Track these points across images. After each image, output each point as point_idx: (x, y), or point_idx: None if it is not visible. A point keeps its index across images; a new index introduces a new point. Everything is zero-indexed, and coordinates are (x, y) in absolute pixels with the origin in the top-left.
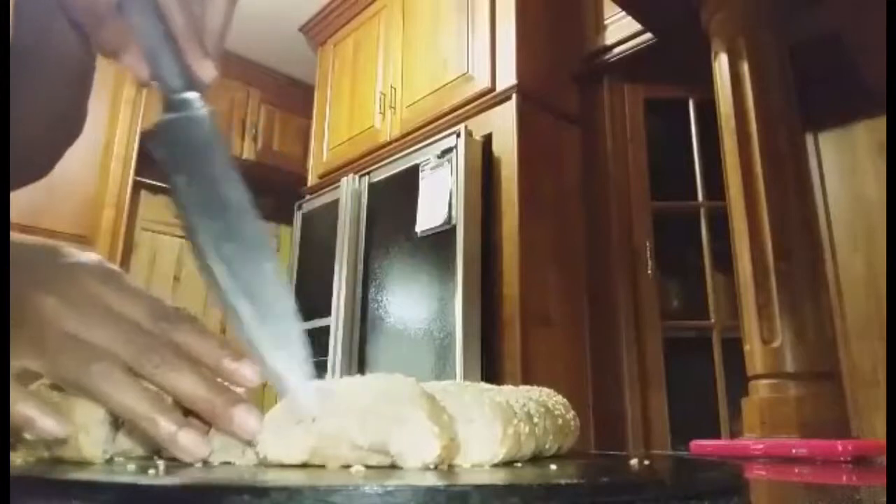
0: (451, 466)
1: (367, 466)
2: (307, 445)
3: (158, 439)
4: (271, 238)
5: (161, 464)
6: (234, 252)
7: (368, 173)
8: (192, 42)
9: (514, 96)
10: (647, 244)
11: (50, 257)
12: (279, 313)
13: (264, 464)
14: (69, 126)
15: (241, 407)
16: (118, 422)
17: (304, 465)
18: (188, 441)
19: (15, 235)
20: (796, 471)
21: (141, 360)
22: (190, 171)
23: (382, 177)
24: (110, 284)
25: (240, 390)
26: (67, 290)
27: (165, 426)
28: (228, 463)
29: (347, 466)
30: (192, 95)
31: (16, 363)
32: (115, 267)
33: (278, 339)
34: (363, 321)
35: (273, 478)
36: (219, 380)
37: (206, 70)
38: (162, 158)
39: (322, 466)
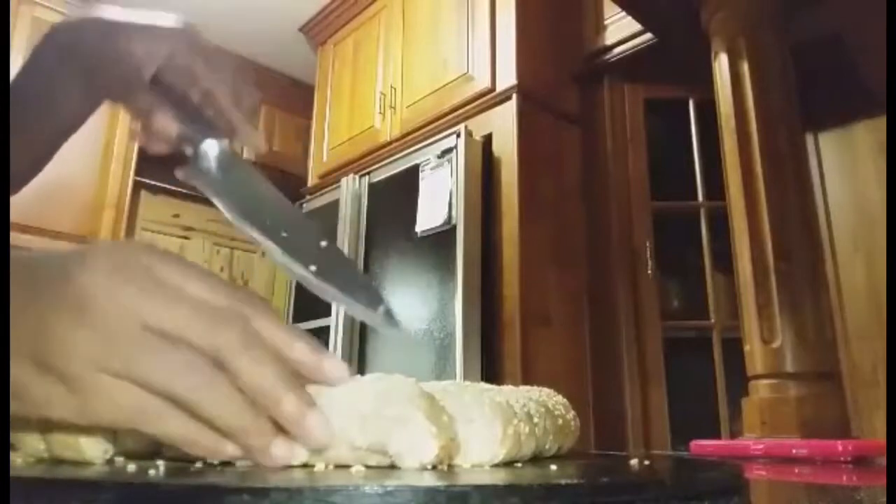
0: (450, 466)
1: (367, 466)
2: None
3: (250, 452)
4: None
5: (161, 464)
6: (290, 232)
7: (368, 173)
8: (240, 118)
9: (514, 96)
10: (648, 244)
11: (84, 246)
12: (346, 271)
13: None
14: (42, 164)
15: (314, 413)
16: None
17: (303, 466)
18: (298, 455)
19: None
20: (796, 471)
21: (224, 352)
22: (228, 188)
23: (382, 177)
24: (174, 264)
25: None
26: (124, 268)
27: (262, 440)
28: (229, 463)
29: (347, 467)
30: (210, 143)
31: (78, 365)
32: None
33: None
34: (363, 321)
35: (273, 478)
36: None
37: (258, 141)
38: (203, 187)
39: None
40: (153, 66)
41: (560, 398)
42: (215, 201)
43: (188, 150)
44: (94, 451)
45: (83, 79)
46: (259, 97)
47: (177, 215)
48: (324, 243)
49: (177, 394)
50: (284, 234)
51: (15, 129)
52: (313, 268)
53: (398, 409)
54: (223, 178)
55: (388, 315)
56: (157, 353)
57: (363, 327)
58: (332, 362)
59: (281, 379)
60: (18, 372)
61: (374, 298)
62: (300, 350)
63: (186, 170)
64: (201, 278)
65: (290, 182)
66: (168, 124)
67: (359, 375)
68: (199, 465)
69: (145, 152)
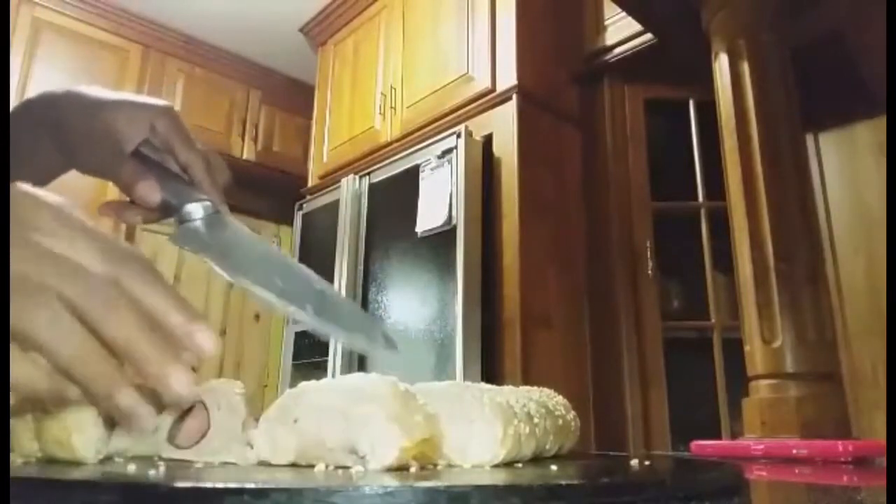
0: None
1: (340, 467)
2: (292, 446)
3: (109, 406)
4: (271, 238)
5: (161, 464)
6: (282, 280)
7: (369, 174)
8: (215, 190)
9: (514, 97)
10: (648, 244)
11: None
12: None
13: (264, 464)
14: None
15: (178, 368)
16: (112, 421)
17: (304, 466)
18: (143, 412)
19: None
20: (797, 471)
21: (83, 302)
22: (219, 246)
23: (383, 177)
24: (57, 219)
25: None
26: (13, 225)
27: (124, 395)
28: (229, 463)
29: (347, 467)
30: (191, 207)
31: None
32: (61, 199)
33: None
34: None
35: (273, 479)
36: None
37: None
38: (194, 249)
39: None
40: (136, 140)
41: (560, 398)
42: (207, 261)
43: (172, 216)
44: (86, 450)
45: (59, 149)
46: (229, 176)
47: None
48: (319, 287)
49: (36, 342)
50: (279, 283)
51: None
52: (310, 308)
53: (363, 410)
54: (211, 238)
55: (387, 342)
56: (24, 305)
57: None
58: (203, 333)
59: (140, 336)
60: None
61: (371, 328)
62: (174, 318)
63: (175, 236)
64: (85, 239)
65: (291, 182)
66: (151, 192)
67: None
68: (199, 464)
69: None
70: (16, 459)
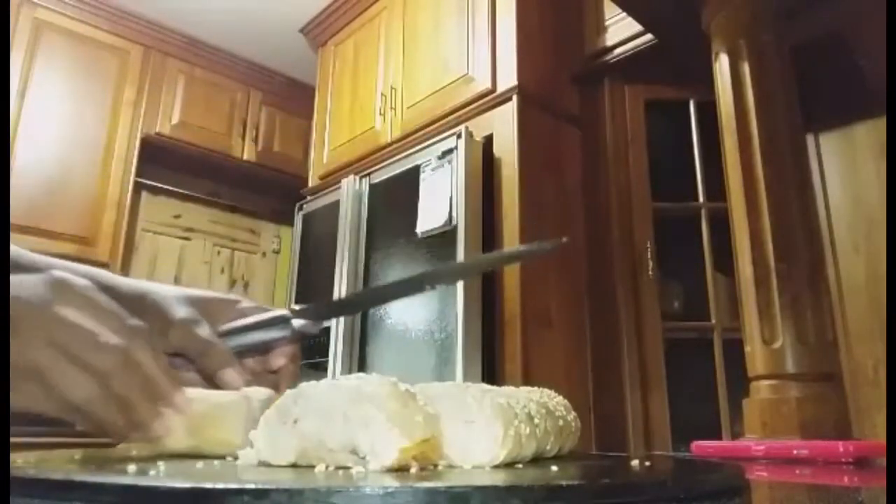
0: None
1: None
2: (292, 447)
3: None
4: (273, 239)
5: (162, 464)
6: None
7: (369, 174)
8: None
9: (514, 97)
10: (648, 245)
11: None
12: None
13: (265, 465)
14: None
15: (160, 418)
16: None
17: (304, 467)
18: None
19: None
20: (797, 472)
21: (102, 368)
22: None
23: (383, 178)
24: (83, 298)
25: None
26: (39, 312)
27: (117, 427)
28: (229, 464)
29: (348, 468)
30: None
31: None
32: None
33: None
34: (364, 322)
35: (273, 479)
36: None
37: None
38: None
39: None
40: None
41: (561, 399)
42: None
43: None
44: (242, 443)
45: None
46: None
47: (178, 216)
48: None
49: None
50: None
51: None
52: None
53: (363, 410)
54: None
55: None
56: (55, 366)
57: (363, 329)
58: (178, 400)
59: (137, 397)
60: None
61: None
62: (161, 384)
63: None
64: (105, 316)
65: (291, 183)
66: (237, 378)
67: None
68: (199, 465)
69: (147, 152)
70: (16, 460)
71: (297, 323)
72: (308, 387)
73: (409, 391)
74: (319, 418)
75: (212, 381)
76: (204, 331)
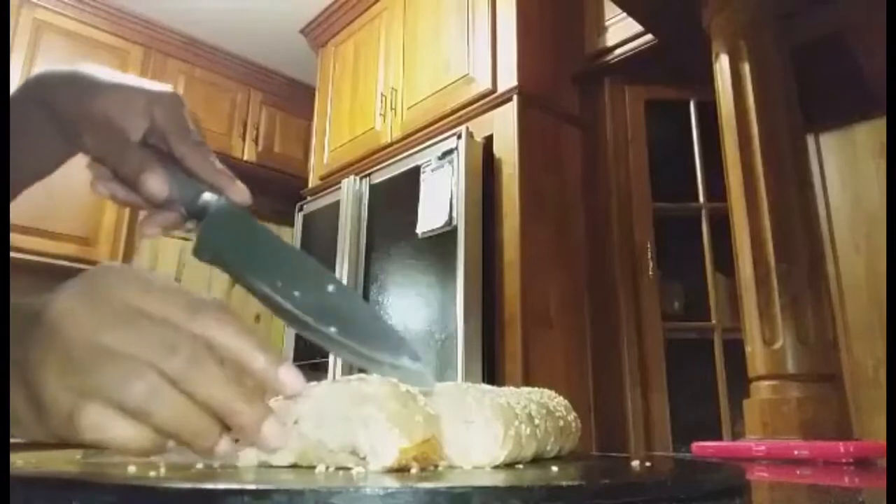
0: (443, 467)
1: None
2: (292, 447)
3: (207, 453)
4: None
5: (162, 465)
6: (302, 288)
7: (369, 175)
8: (220, 176)
9: (514, 98)
10: (649, 245)
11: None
12: (361, 319)
13: (265, 465)
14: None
15: (270, 421)
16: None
17: (305, 467)
18: (224, 448)
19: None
20: (798, 472)
21: (176, 371)
22: (238, 247)
23: (383, 178)
24: (133, 283)
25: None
26: (88, 295)
27: (203, 439)
28: (230, 465)
29: (348, 468)
30: (205, 198)
31: (42, 388)
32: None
33: (370, 339)
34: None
35: (274, 480)
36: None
37: (242, 193)
38: (216, 253)
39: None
40: (138, 129)
41: (561, 399)
42: (227, 269)
43: (177, 209)
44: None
45: (62, 133)
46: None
47: None
48: (331, 288)
49: (126, 404)
50: (296, 293)
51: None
52: (333, 329)
53: (363, 411)
54: (232, 237)
55: (414, 364)
56: (108, 369)
57: None
58: (289, 374)
59: (233, 393)
60: (16, 404)
61: (396, 351)
62: (257, 362)
63: (196, 240)
64: (163, 297)
65: (291, 183)
66: (157, 184)
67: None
68: (200, 465)
69: None
70: (16, 461)
71: (209, 202)
72: (308, 387)
73: (410, 391)
74: (320, 419)
75: (136, 190)
76: (121, 135)
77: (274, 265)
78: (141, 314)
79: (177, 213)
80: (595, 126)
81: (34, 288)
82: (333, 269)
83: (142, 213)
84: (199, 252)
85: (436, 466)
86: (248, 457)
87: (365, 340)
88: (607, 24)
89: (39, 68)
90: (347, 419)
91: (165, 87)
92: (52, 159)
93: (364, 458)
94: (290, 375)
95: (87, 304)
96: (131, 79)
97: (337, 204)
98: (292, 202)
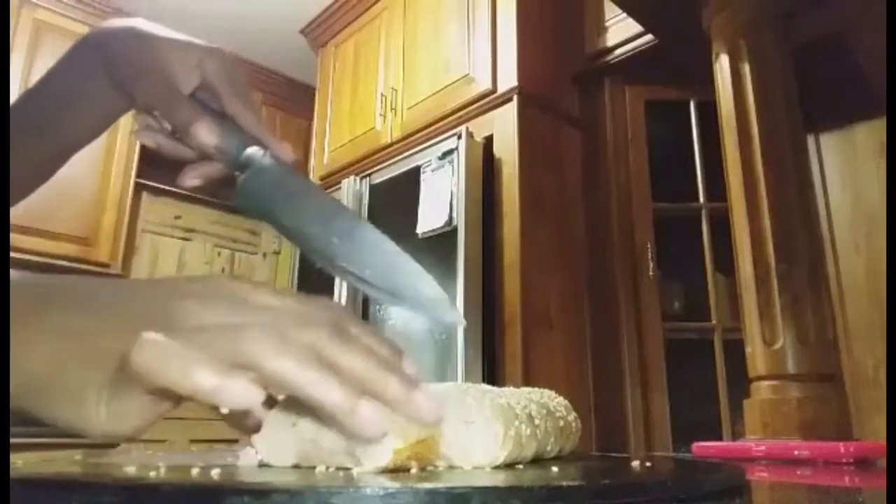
0: (442, 467)
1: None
2: (292, 449)
3: (332, 409)
4: (274, 239)
5: (162, 465)
6: (339, 234)
7: (369, 175)
8: (266, 132)
9: (515, 98)
10: (649, 245)
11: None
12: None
13: (265, 466)
14: (50, 172)
15: (420, 391)
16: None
17: (305, 467)
18: (369, 413)
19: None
20: (798, 472)
21: (320, 344)
22: (280, 201)
23: (383, 178)
24: (264, 289)
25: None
26: (206, 291)
27: (342, 395)
28: (229, 465)
29: (348, 469)
30: (252, 150)
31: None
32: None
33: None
34: (364, 323)
35: (274, 479)
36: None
37: (286, 150)
38: (257, 206)
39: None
40: (190, 82)
41: (561, 399)
42: (268, 222)
43: (223, 160)
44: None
45: (116, 86)
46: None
47: (178, 217)
48: (386, 249)
49: (237, 352)
50: (335, 240)
51: (34, 129)
52: (368, 272)
53: None
54: (275, 188)
55: (434, 291)
56: (275, 354)
57: None
58: (421, 397)
59: (379, 366)
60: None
61: (437, 306)
62: (387, 352)
63: (237, 189)
64: (293, 297)
65: None
66: (207, 133)
67: None
68: (200, 465)
69: (147, 153)
70: (16, 461)
71: (256, 157)
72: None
73: None
74: (317, 421)
75: (183, 140)
76: (174, 86)
77: (312, 213)
78: (271, 309)
79: (220, 165)
80: (595, 126)
81: None
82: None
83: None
84: (241, 200)
85: (435, 466)
86: (249, 456)
87: (388, 278)
88: (607, 24)
89: (40, 68)
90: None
91: (218, 47)
92: (106, 115)
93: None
94: (425, 401)
95: (216, 301)
96: (183, 36)
97: None
98: None
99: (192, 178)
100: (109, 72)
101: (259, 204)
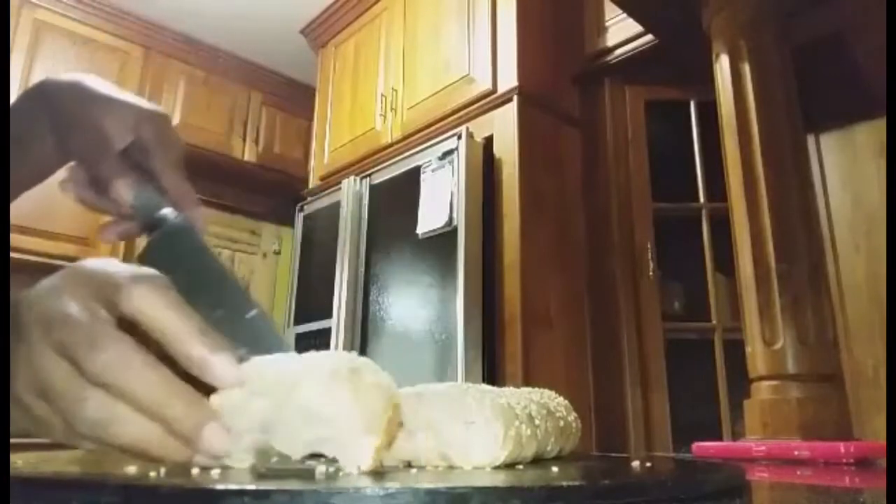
0: (443, 467)
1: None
2: (249, 451)
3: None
4: (274, 239)
5: (163, 466)
6: (224, 314)
7: (370, 175)
8: (188, 196)
9: (515, 98)
10: (649, 245)
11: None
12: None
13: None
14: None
15: (211, 427)
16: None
17: (305, 468)
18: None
19: None
20: (798, 472)
21: (82, 358)
22: (181, 265)
23: (384, 178)
24: (87, 267)
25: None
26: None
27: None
28: (228, 466)
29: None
30: (165, 212)
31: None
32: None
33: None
34: (364, 323)
35: (274, 480)
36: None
37: (200, 217)
38: (159, 267)
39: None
40: (122, 141)
41: (561, 400)
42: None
43: (138, 218)
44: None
45: (57, 136)
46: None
47: None
48: (253, 312)
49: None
50: (220, 312)
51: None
52: (243, 351)
53: (318, 432)
54: (180, 251)
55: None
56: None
57: (363, 330)
58: (221, 360)
59: (169, 393)
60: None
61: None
62: (191, 343)
63: (146, 247)
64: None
65: (292, 184)
66: (125, 192)
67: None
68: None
69: None
70: (16, 461)
71: (169, 216)
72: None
73: (353, 368)
74: (265, 427)
75: (104, 194)
76: (106, 143)
77: (206, 284)
78: (75, 299)
79: (136, 225)
80: (595, 126)
81: None
82: (334, 270)
83: (103, 220)
84: (147, 258)
85: (436, 466)
86: (246, 458)
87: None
88: (607, 24)
89: (40, 69)
90: (308, 444)
91: (157, 107)
92: (48, 165)
93: (333, 459)
94: (226, 367)
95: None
96: (127, 95)
97: (337, 204)
98: (292, 202)
99: (109, 235)
100: (51, 120)
101: (163, 265)
